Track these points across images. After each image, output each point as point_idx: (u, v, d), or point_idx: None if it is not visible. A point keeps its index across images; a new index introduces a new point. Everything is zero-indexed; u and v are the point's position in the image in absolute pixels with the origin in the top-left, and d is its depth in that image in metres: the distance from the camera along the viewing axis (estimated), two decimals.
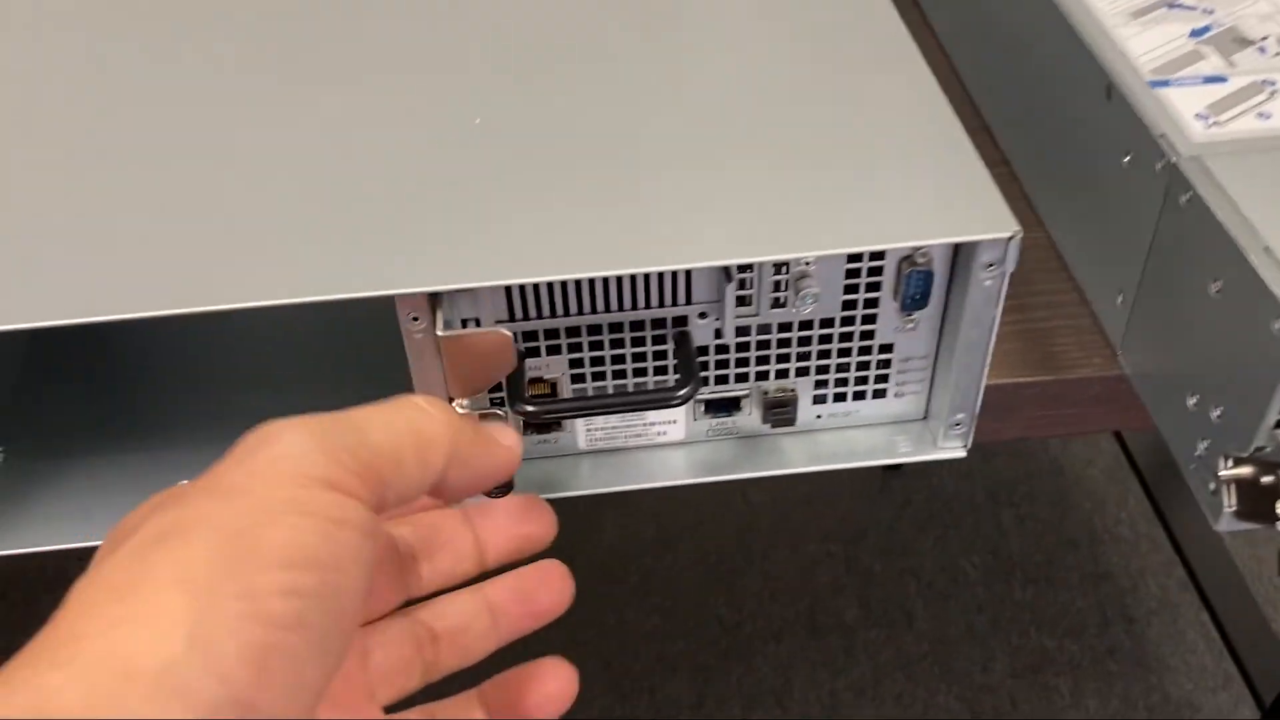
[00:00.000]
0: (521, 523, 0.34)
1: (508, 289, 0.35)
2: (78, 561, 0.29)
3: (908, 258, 0.36)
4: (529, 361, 0.37)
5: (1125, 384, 0.43)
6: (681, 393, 0.36)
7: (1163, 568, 1.17)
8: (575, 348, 0.38)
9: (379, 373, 0.37)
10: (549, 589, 0.33)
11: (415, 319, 0.35)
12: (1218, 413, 0.36)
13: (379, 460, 0.28)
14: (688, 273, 0.36)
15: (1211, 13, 0.44)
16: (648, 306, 0.37)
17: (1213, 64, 0.41)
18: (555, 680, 0.32)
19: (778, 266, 0.36)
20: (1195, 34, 0.43)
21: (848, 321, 0.38)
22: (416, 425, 0.29)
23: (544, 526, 0.34)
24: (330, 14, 0.45)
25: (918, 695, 1.08)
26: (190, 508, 0.26)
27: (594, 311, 0.36)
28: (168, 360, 0.46)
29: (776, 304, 0.37)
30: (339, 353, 0.45)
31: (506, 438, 0.32)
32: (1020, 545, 1.19)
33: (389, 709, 0.32)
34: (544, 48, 0.43)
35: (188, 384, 0.45)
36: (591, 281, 0.36)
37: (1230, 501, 0.35)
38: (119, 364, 0.45)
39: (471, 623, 0.33)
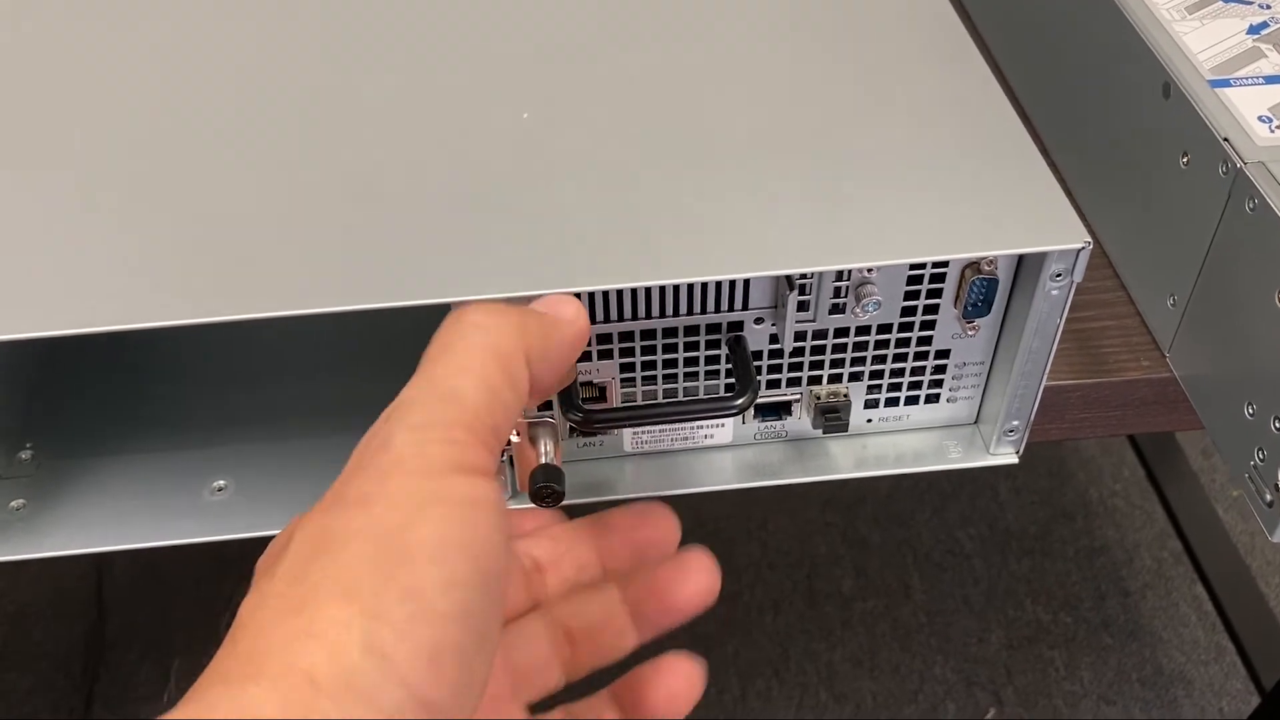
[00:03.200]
0: (638, 528, 0.33)
1: None
2: None
3: (973, 264, 0.35)
4: (578, 365, 0.36)
5: (1173, 386, 0.42)
6: (738, 403, 0.35)
7: (1157, 540, 1.18)
8: (627, 352, 0.37)
9: (403, 365, 0.36)
10: (688, 583, 0.32)
11: None
12: (1278, 423, 0.36)
13: (484, 418, 0.28)
14: (747, 279, 0.35)
15: (1268, 8, 0.43)
16: (704, 311, 0.36)
17: (1273, 62, 0.40)
18: (678, 676, 0.32)
19: (839, 274, 0.35)
20: (1253, 30, 0.42)
21: (906, 328, 0.38)
22: (489, 350, 0.29)
23: (663, 530, 0.33)
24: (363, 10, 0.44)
25: (914, 666, 1.09)
26: (335, 520, 0.26)
27: (648, 317, 0.36)
28: (189, 356, 0.45)
29: (835, 310, 0.36)
30: (361, 344, 0.44)
31: (566, 310, 0.31)
32: (1016, 517, 1.20)
33: (532, 708, 0.32)
34: (593, 43, 0.41)
35: (216, 379, 0.44)
36: (649, 288, 0.35)
37: None
38: (140, 360, 0.45)
39: (609, 620, 0.33)
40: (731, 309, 0.36)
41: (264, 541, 0.30)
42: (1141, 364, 0.43)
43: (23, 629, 1.09)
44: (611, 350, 0.36)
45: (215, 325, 0.33)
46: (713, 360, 0.37)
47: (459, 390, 0.28)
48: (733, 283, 0.35)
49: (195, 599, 1.07)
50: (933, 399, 0.40)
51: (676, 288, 0.35)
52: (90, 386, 0.43)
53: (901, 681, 1.08)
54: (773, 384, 0.39)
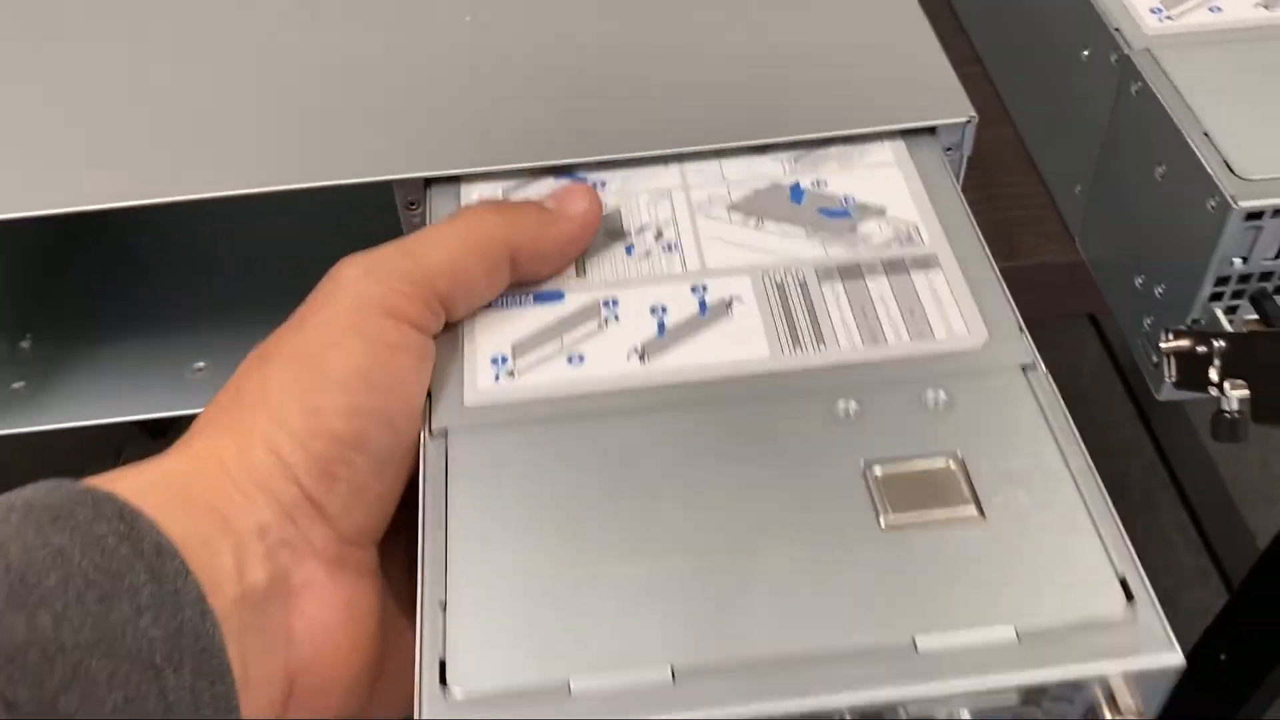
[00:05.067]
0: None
1: None
2: None
3: (1099, 709, 0.26)
4: None
5: (1083, 269, 0.45)
6: None
7: (1146, 470, 1.20)
8: None
9: None
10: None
11: (412, 204, 0.37)
12: (1160, 290, 0.39)
13: (436, 279, 0.31)
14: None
15: None
16: None
17: None
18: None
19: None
20: None
21: None
22: (471, 232, 0.32)
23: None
24: None
25: None
26: (274, 339, 0.30)
27: None
28: (173, 247, 0.49)
29: None
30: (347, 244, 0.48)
31: (578, 204, 0.34)
32: None
33: None
34: None
35: (200, 271, 0.48)
36: None
37: (1170, 373, 0.38)
38: (133, 253, 0.49)
39: None
40: None
41: None
42: (1053, 249, 0.46)
43: None
44: None
45: (200, 219, 0.37)
46: None
47: (420, 252, 0.32)
48: None
49: None
50: None
51: None
52: (82, 278, 0.48)
53: None
54: None
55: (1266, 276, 0.37)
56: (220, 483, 0.28)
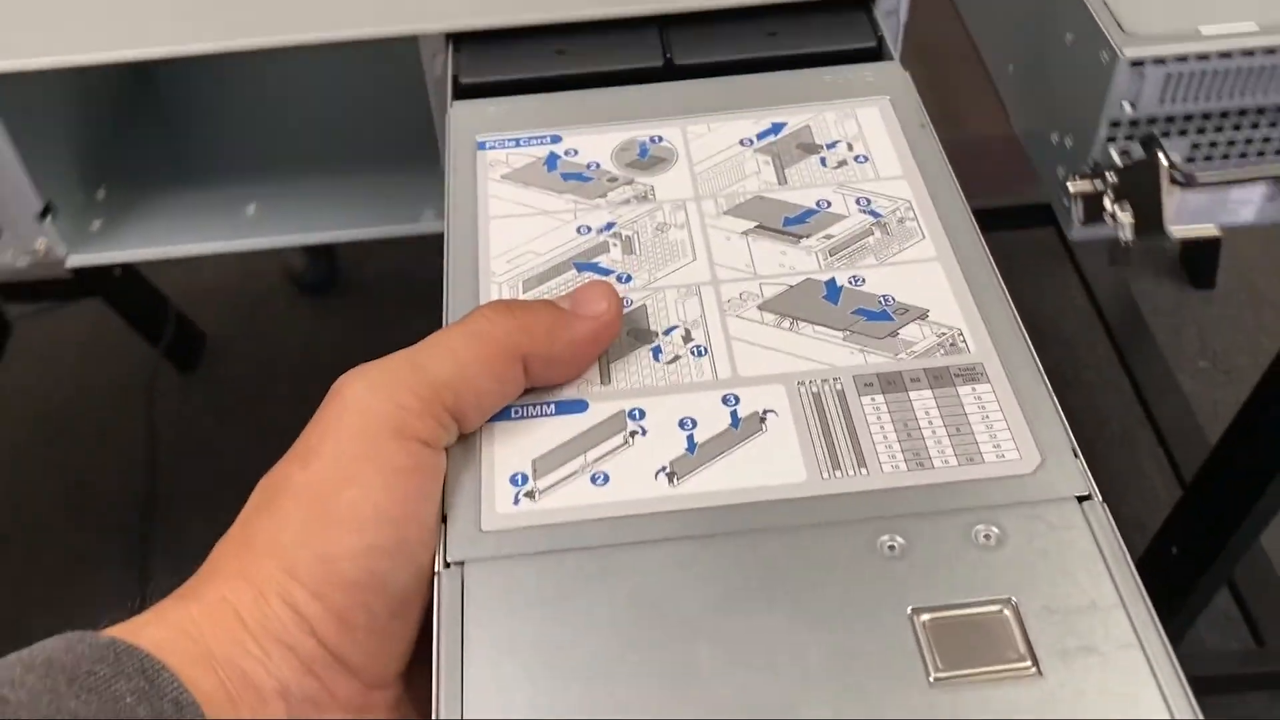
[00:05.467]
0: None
1: None
2: None
3: None
4: None
5: (1016, 143, 0.51)
6: None
7: (1125, 408, 1.23)
8: None
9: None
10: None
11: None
12: (1069, 140, 0.46)
13: (444, 390, 0.29)
14: None
15: None
16: None
17: None
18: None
19: None
20: None
21: None
22: (479, 338, 0.30)
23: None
24: None
25: None
26: (281, 471, 0.29)
27: None
28: (232, 107, 0.59)
29: None
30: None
31: (596, 305, 0.32)
32: None
33: None
34: None
35: (250, 126, 0.57)
36: None
37: (1078, 213, 0.44)
38: (190, 110, 0.59)
39: None
40: None
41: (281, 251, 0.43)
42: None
43: (80, 489, 1.18)
44: None
45: (250, 73, 0.50)
46: None
47: (427, 363, 0.30)
48: None
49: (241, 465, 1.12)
50: None
51: None
52: (146, 135, 0.58)
53: None
54: None
55: (1153, 121, 0.43)
56: (239, 636, 0.26)
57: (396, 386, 0.29)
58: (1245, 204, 0.44)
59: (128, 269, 1.19)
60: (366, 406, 0.29)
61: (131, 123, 0.58)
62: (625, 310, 0.34)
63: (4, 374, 1.20)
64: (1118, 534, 0.29)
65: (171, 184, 0.54)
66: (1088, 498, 0.29)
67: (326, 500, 0.28)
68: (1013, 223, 1.18)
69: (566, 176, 0.39)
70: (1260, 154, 0.44)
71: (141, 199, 0.53)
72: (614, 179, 0.39)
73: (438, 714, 0.26)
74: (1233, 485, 0.81)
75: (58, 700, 0.24)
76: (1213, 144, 0.44)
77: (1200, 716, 0.25)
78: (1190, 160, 0.44)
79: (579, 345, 0.32)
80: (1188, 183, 0.42)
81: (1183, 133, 0.44)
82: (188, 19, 0.45)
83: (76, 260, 0.49)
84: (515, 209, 0.38)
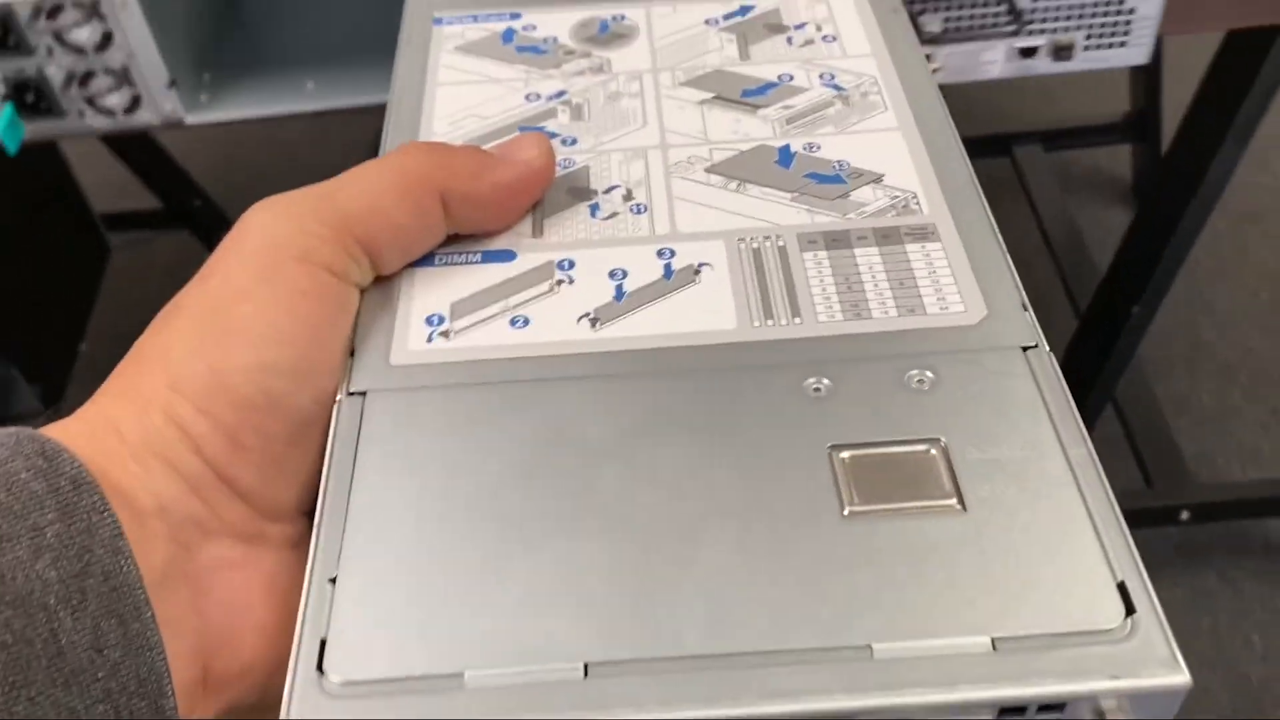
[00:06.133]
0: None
1: None
2: None
3: None
4: None
5: None
6: None
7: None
8: None
9: None
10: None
11: None
12: None
13: (354, 220, 0.28)
14: None
15: None
16: None
17: None
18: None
19: None
20: None
21: None
22: (394, 170, 0.29)
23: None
24: None
25: None
26: (181, 293, 0.27)
27: None
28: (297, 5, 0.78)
29: None
30: None
31: (526, 150, 0.31)
32: None
33: None
34: None
35: (311, 21, 0.76)
36: None
37: None
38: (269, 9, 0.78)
39: None
40: None
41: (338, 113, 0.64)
42: None
43: None
44: None
45: None
46: None
47: (337, 193, 0.29)
48: None
49: None
50: None
51: None
52: (240, 26, 0.76)
53: None
54: None
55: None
56: (117, 452, 0.25)
57: (303, 214, 0.28)
58: (992, 63, 0.63)
59: (209, 204, 1.35)
60: (271, 231, 0.28)
61: (226, 17, 0.77)
62: (566, 170, 0.33)
63: (101, 295, 1.32)
64: (1063, 382, 0.27)
65: (253, 67, 0.73)
66: (1035, 347, 0.27)
67: (220, 314, 0.26)
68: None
69: (521, 49, 0.38)
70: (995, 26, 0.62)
71: (232, 79, 0.71)
72: (570, 52, 0.38)
73: (318, 535, 0.24)
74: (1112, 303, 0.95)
75: None
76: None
77: (1138, 559, 0.23)
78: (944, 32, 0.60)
79: (503, 188, 0.30)
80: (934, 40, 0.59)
81: (935, 10, 0.61)
82: None
83: (193, 119, 0.68)
84: (464, 77, 0.37)
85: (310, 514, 0.28)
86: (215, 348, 0.26)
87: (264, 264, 0.27)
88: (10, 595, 0.22)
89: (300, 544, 0.28)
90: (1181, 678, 0.21)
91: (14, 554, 0.22)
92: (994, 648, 0.22)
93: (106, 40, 0.62)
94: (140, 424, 0.25)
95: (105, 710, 0.23)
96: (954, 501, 0.24)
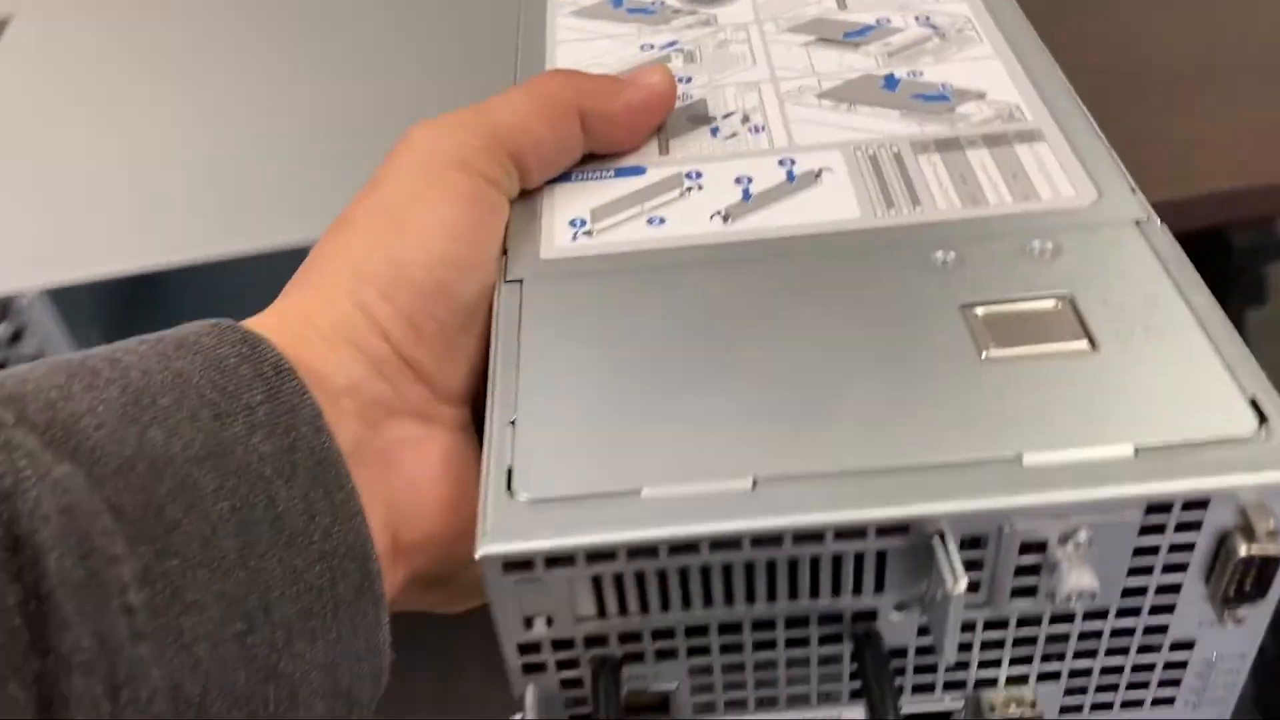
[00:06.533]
0: None
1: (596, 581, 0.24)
2: None
3: (1242, 529, 0.23)
4: (627, 670, 0.25)
5: None
6: None
7: None
8: (699, 650, 0.25)
9: None
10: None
11: None
12: None
13: (507, 136, 0.31)
14: (881, 554, 0.24)
15: None
16: (814, 597, 0.24)
17: None
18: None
19: (1025, 546, 0.23)
20: None
21: (1128, 611, 0.25)
22: (537, 92, 0.32)
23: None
24: None
25: None
26: (352, 203, 0.30)
27: (728, 604, 0.24)
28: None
29: (1021, 592, 0.24)
30: None
31: (650, 76, 0.34)
32: None
33: None
34: None
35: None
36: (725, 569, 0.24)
37: None
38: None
39: None
40: (859, 592, 0.24)
41: None
42: None
43: None
44: (675, 649, 0.25)
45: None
46: (829, 660, 0.26)
47: (489, 110, 0.31)
48: (860, 560, 0.24)
49: None
50: (1164, 702, 0.27)
51: (773, 565, 0.24)
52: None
53: None
54: (922, 687, 0.27)
55: None
56: (309, 338, 0.27)
57: (461, 129, 0.30)
58: None
59: None
60: (434, 144, 0.30)
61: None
62: (685, 103, 0.35)
63: None
64: (1180, 250, 0.28)
65: None
66: (1147, 221, 0.29)
67: (395, 214, 0.29)
68: None
69: (632, 11, 0.41)
70: None
71: None
72: (677, 11, 0.40)
73: (494, 388, 0.26)
74: None
75: (165, 361, 0.25)
76: None
77: (1264, 377, 0.25)
78: None
79: (634, 108, 0.33)
80: None
81: None
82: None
83: None
84: (581, 35, 0.40)
85: (472, 402, 0.30)
86: (395, 243, 0.28)
87: (431, 171, 0.29)
88: (234, 466, 0.24)
89: (467, 428, 0.30)
90: None
91: (233, 430, 0.24)
92: (1136, 455, 0.23)
93: (17, 336, 0.63)
94: (329, 312, 0.27)
95: (322, 570, 0.25)
96: (1085, 344, 0.26)
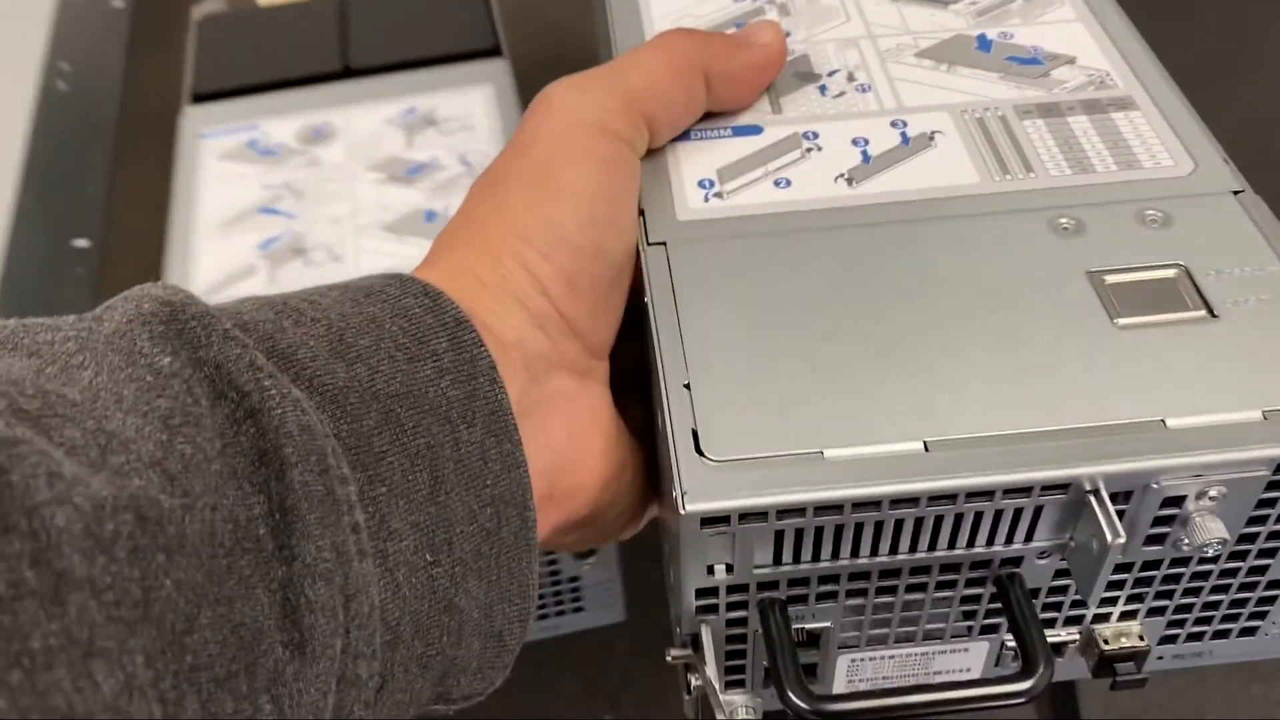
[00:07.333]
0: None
1: (779, 534, 0.26)
2: None
3: None
4: (792, 610, 0.28)
5: None
6: (1027, 685, 0.26)
7: None
8: (858, 593, 0.28)
9: None
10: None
11: None
12: None
13: (641, 98, 0.32)
14: (1038, 508, 0.26)
15: None
16: (970, 546, 0.27)
17: None
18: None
19: (1166, 500, 0.26)
20: None
21: (1239, 556, 0.28)
22: (666, 51, 0.32)
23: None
24: None
25: None
26: (500, 164, 0.31)
27: (892, 553, 0.27)
28: None
29: (1154, 540, 0.27)
30: None
31: (764, 35, 0.35)
32: None
33: None
34: None
35: None
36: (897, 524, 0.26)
37: None
38: None
39: None
40: (1010, 541, 0.27)
41: None
42: None
43: None
44: (836, 592, 0.28)
45: None
46: (970, 600, 0.29)
47: (623, 71, 0.32)
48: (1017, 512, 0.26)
49: None
50: (1249, 632, 0.31)
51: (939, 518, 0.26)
52: None
53: None
54: (1046, 622, 0.30)
55: None
56: (479, 294, 0.28)
57: (598, 90, 0.31)
58: None
59: None
60: (573, 107, 0.31)
61: None
62: (790, 58, 0.37)
63: None
64: (1275, 218, 0.31)
65: None
66: (1244, 191, 0.31)
67: (546, 178, 0.30)
68: None
69: None
70: None
71: None
72: None
73: (659, 352, 0.28)
74: None
75: (357, 305, 0.26)
76: None
77: None
78: None
79: (753, 67, 0.34)
80: None
81: None
82: None
83: None
84: None
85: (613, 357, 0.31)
86: (551, 205, 0.29)
87: (575, 135, 0.30)
88: (428, 405, 0.25)
89: (607, 381, 0.31)
90: None
91: (424, 373, 0.26)
92: (1265, 418, 0.26)
93: None
94: (496, 270, 0.29)
95: (490, 514, 0.26)
96: (1204, 312, 0.28)
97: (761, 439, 0.26)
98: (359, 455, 0.24)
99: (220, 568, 0.21)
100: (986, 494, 0.25)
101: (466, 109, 0.57)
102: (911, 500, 0.25)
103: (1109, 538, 0.25)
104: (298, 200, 0.51)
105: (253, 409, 0.22)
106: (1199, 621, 0.30)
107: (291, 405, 0.23)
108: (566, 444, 0.30)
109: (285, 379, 0.23)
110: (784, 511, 0.25)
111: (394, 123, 0.57)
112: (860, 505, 0.25)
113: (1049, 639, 0.30)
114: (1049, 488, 0.26)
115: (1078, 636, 0.30)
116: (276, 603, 0.22)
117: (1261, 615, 0.30)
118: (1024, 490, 0.25)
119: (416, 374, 0.26)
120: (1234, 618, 0.30)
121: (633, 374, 0.32)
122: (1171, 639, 0.31)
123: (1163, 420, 0.26)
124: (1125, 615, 0.30)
